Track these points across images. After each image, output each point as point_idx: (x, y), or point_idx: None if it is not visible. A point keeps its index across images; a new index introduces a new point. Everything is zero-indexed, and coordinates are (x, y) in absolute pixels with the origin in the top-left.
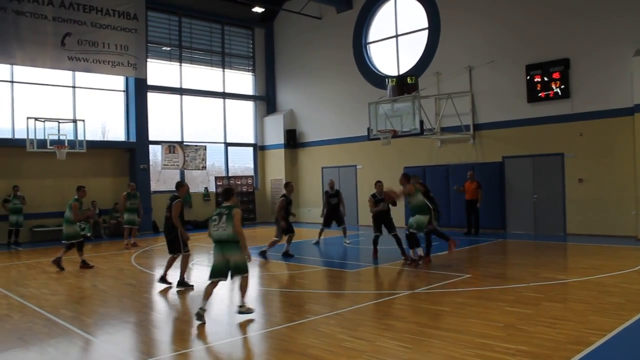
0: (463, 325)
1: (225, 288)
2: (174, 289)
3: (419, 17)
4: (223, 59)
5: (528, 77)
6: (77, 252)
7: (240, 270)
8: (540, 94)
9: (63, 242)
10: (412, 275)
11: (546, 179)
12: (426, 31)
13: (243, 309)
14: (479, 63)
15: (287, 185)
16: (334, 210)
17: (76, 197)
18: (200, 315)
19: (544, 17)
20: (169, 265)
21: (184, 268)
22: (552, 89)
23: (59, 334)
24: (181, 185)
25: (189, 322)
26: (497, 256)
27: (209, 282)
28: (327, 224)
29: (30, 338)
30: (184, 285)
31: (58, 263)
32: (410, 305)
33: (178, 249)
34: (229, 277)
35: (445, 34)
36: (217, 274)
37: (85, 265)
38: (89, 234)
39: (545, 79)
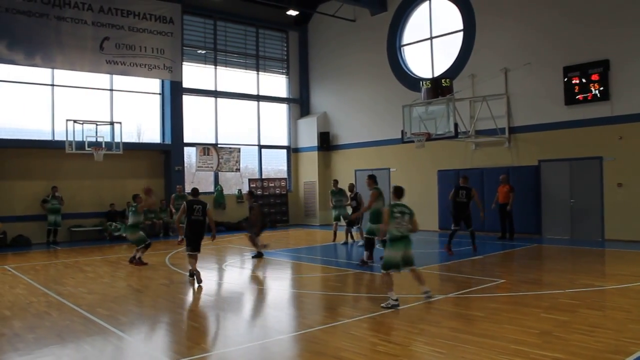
0: (497, 331)
1: (259, 293)
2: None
3: (454, 19)
4: (257, 62)
5: (565, 79)
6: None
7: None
8: (578, 97)
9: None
10: (445, 280)
11: (584, 183)
12: (461, 33)
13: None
14: (515, 65)
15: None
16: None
17: (135, 204)
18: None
19: (581, 18)
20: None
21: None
22: (591, 91)
23: (95, 332)
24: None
25: (221, 323)
26: (532, 261)
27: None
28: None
29: (68, 335)
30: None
31: (139, 261)
32: (443, 310)
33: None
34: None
35: (480, 35)
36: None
37: (140, 262)
38: (124, 234)
39: (584, 80)
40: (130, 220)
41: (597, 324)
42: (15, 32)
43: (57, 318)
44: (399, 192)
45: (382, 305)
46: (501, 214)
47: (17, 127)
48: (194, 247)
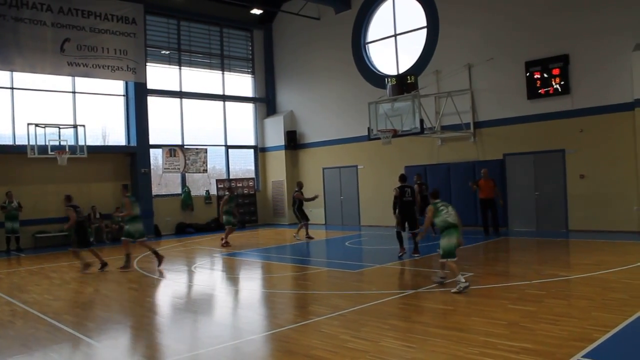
0: (466, 324)
1: (230, 294)
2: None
3: (418, 16)
4: (222, 62)
5: (528, 74)
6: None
7: None
8: (540, 91)
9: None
10: (414, 275)
11: (548, 175)
12: (425, 30)
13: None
14: (478, 61)
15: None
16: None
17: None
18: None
19: (542, 12)
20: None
21: None
22: (552, 85)
23: (62, 340)
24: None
25: (192, 325)
26: (499, 254)
27: None
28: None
29: (34, 344)
30: None
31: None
32: (413, 305)
33: None
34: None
35: (443, 32)
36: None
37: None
38: (91, 239)
39: (545, 75)
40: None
41: (562, 313)
42: None
43: (21, 327)
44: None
45: (452, 291)
46: (483, 209)
47: None
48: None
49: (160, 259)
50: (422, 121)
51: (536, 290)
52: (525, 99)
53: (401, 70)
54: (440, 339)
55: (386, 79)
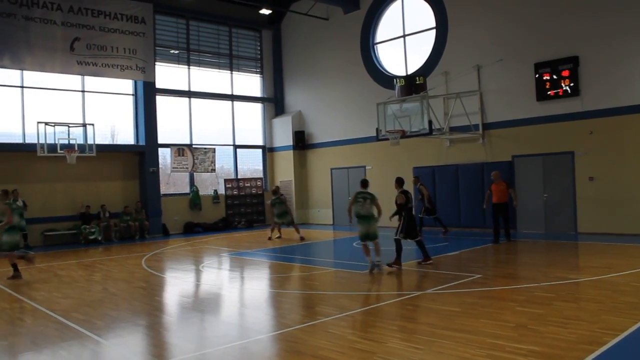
0: (474, 326)
1: (237, 293)
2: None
3: (427, 17)
4: (231, 62)
5: (537, 76)
6: None
7: None
8: (549, 92)
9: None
10: (422, 276)
11: (556, 177)
12: (434, 30)
13: None
14: (488, 62)
15: None
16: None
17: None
18: None
19: (552, 14)
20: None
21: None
22: (562, 87)
23: (71, 337)
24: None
25: (199, 324)
26: (507, 256)
27: None
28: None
29: (43, 342)
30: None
31: None
32: (420, 306)
33: None
34: None
35: (453, 33)
36: None
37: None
38: (99, 238)
39: (555, 77)
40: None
41: (571, 316)
42: None
43: (31, 324)
44: (364, 183)
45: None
46: (495, 215)
47: None
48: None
49: (17, 275)
50: (430, 122)
51: (545, 293)
52: (535, 100)
53: (410, 71)
54: (447, 340)
55: (395, 80)
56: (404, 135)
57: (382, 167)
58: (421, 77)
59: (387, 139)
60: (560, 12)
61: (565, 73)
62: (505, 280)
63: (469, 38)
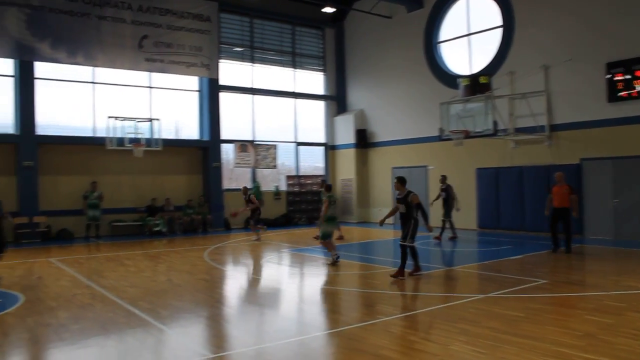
0: (539, 332)
1: (297, 289)
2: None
3: (492, 15)
4: (294, 59)
5: (608, 76)
6: None
7: None
8: (621, 94)
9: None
10: (484, 279)
11: (628, 182)
12: (500, 29)
13: None
14: (556, 62)
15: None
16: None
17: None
18: None
19: (624, 12)
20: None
21: None
22: (635, 88)
23: (137, 325)
24: None
25: (259, 318)
26: (574, 262)
27: None
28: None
29: (111, 327)
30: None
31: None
32: (483, 310)
33: None
34: None
35: (519, 32)
36: None
37: None
38: (163, 230)
39: (628, 77)
40: None
41: None
42: (58, 32)
43: (100, 310)
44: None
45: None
46: (553, 221)
47: (60, 124)
48: None
49: None
50: (495, 123)
51: (615, 302)
52: (605, 101)
53: (474, 71)
54: (511, 346)
55: (458, 79)
56: (467, 135)
57: (444, 167)
58: (486, 77)
59: (450, 139)
60: (634, 9)
61: (639, 73)
62: (572, 287)
63: (537, 37)
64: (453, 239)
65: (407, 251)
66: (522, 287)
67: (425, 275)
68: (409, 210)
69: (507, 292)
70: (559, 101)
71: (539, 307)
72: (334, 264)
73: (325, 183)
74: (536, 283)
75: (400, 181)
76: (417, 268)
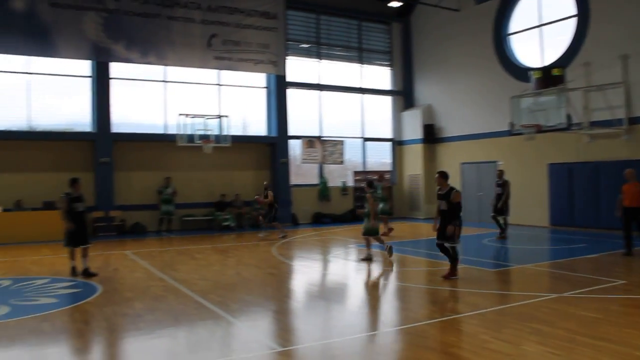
0: (619, 336)
1: (364, 285)
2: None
3: (565, 4)
4: (360, 55)
5: None
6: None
7: None
8: None
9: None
10: (558, 278)
11: None
12: (574, 19)
13: None
14: (635, 51)
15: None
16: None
17: None
18: None
19: None
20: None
21: None
22: None
23: (208, 317)
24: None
25: (326, 313)
26: None
27: None
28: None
29: (183, 318)
30: None
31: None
32: (557, 310)
33: None
34: None
35: (595, 20)
36: None
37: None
38: (232, 225)
39: None
40: None
41: None
42: (131, 33)
43: (173, 302)
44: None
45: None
46: (626, 221)
47: (134, 121)
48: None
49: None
50: (569, 116)
51: None
52: None
53: (546, 63)
54: (588, 348)
55: (529, 72)
56: (539, 130)
57: (515, 163)
58: (559, 69)
59: (522, 134)
60: None
61: None
62: None
63: (614, 26)
64: (502, 238)
65: (449, 250)
66: (598, 287)
67: (495, 272)
68: (450, 208)
69: (583, 292)
70: (638, 93)
71: (617, 308)
72: (389, 251)
73: (368, 180)
74: (614, 283)
75: (443, 176)
76: (453, 271)
